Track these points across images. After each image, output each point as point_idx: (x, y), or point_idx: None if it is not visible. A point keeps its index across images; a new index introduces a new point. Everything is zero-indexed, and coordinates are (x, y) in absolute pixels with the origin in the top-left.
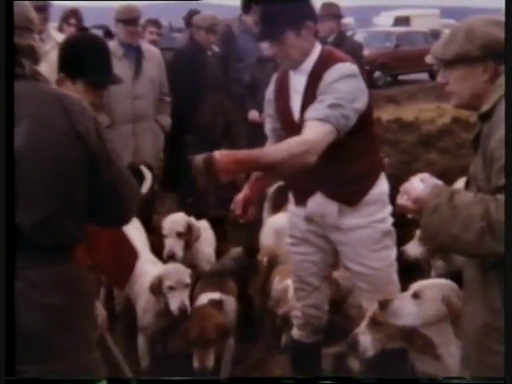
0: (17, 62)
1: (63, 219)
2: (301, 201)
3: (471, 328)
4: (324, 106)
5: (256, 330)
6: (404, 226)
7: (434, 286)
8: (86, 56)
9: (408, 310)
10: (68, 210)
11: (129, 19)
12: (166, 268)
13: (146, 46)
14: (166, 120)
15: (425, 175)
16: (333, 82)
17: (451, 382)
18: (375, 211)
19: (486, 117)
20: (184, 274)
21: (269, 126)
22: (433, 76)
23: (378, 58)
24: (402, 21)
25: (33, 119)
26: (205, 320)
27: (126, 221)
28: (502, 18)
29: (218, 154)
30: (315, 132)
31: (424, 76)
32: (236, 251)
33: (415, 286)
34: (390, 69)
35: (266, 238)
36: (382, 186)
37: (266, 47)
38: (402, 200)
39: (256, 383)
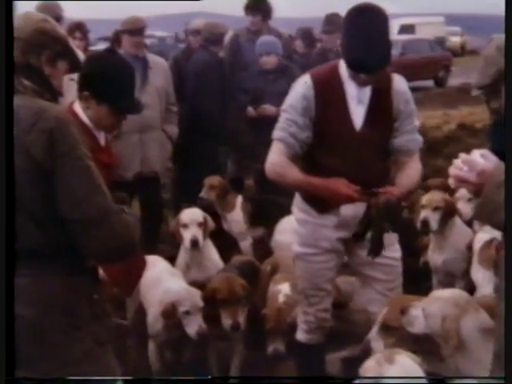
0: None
1: (24, 225)
2: (327, 209)
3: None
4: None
5: (263, 337)
6: None
7: (437, 301)
8: (115, 82)
9: (420, 320)
10: (27, 216)
11: (134, 30)
12: (179, 293)
13: (152, 57)
14: (173, 129)
15: (485, 151)
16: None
17: (451, 382)
18: None
19: None
20: (197, 297)
21: (296, 133)
22: (438, 83)
23: None
24: (407, 29)
25: None
26: (231, 281)
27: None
28: None
29: None
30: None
31: (430, 83)
32: (238, 260)
33: (431, 295)
34: None
35: (283, 236)
36: None
37: (265, 61)
38: (461, 172)
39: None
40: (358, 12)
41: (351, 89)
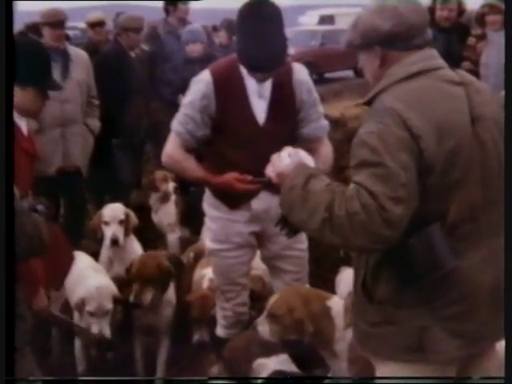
0: None
1: None
2: (238, 205)
3: None
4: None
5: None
6: None
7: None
8: (35, 63)
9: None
10: None
11: (55, 22)
12: (90, 291)
13: (73, 49)
14: (95, 123)
15: (293, 150)
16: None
17: (448, 382)
18: None
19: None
20: (106, 299)
21: (193, 131)
22: (357, 73)
23: (304, 57)
24: (326, 19)
25: None
26: (148, 259)
27: None
28: (388, 6)
29: None
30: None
31: (349, 73)
32: (163, 253)
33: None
34: (316, 67)
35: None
36: None
37: (192, 49)
38: (268, 170)
39: None
40: (249, 9)
41: (251, 84)
